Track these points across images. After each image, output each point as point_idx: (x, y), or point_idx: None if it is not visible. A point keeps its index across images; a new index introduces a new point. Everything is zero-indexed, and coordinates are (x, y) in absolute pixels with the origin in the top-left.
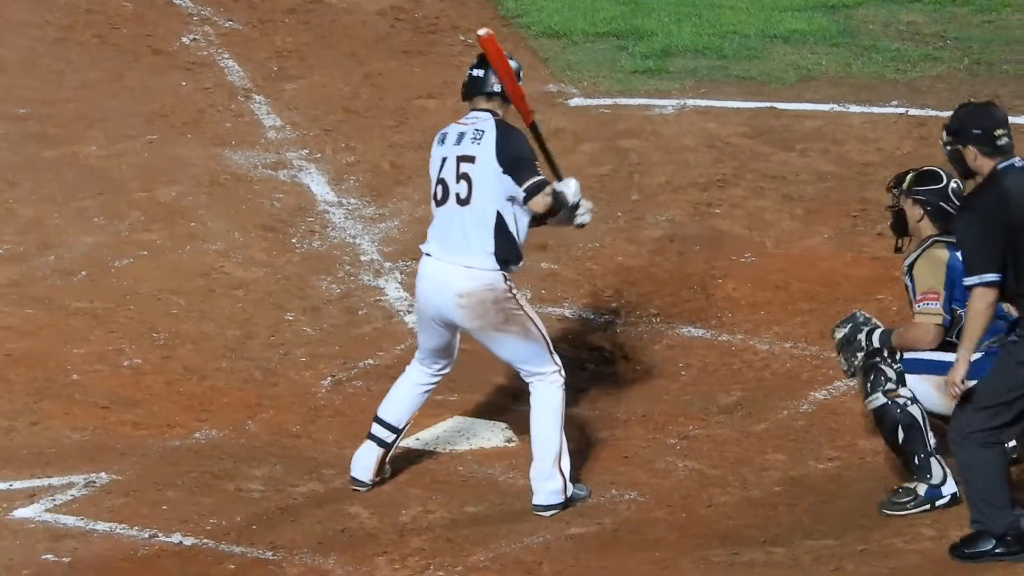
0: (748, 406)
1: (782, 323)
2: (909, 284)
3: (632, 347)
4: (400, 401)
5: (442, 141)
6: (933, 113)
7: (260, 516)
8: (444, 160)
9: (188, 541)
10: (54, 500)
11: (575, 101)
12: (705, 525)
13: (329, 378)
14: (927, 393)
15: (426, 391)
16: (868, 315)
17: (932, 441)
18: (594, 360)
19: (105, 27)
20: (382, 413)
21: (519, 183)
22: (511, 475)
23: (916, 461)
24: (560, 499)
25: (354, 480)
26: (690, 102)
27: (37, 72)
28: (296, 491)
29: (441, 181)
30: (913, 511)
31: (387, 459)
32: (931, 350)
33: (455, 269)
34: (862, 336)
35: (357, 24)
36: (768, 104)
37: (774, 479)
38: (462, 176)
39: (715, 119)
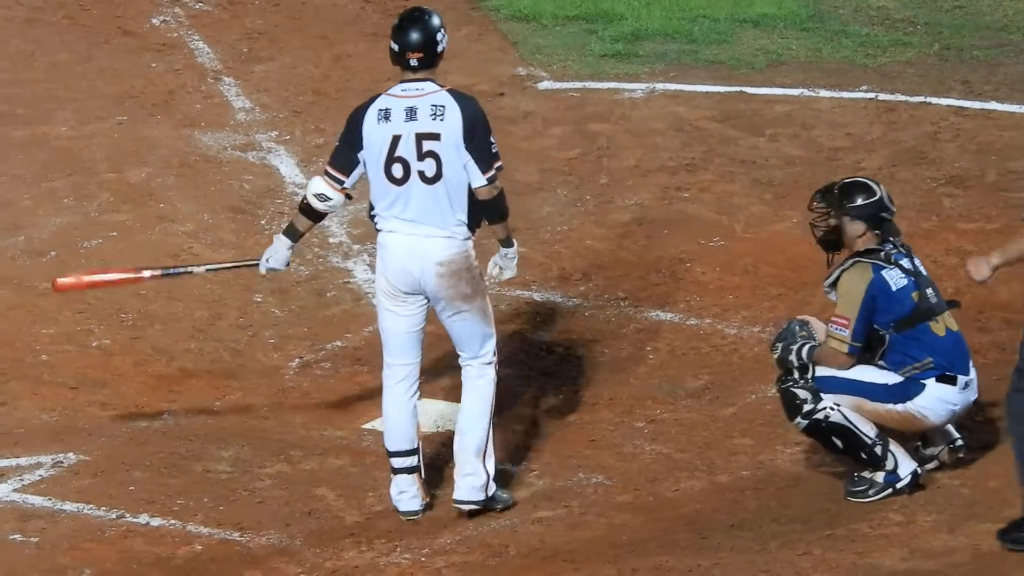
0: (716, 390)
1: (751, 307)
2: (835, 299)
3: (600, 330)
4: (400, 424)
5: (386, 118)
6: (903, 98)
7: (227, 497)
8: (397, 138)
9: (155, 522)
10: (22, 480)
11: (544, 84)
12: (672, 509)
13: (297, 360)
14: (849, 412)
15: (414, 397)
16: (806, 320)
17: (872, 432)
18: (561, 343)
19: (75, 8)
20: (393, 445)
21: (482, 171)
22: None
23: (864, 456)
24: (482, 496)
25: (407, 513)
26: (659, 86)
27: (6, 53)
28: (263, 472)
29: (399, 160)
30: (875, 498)
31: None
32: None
33: (432, 241)
34: (792, 355)
35: (327, 6)
36: (737, 88)
37: (741, 463)
38: (427, 154)
39: (684, 103)
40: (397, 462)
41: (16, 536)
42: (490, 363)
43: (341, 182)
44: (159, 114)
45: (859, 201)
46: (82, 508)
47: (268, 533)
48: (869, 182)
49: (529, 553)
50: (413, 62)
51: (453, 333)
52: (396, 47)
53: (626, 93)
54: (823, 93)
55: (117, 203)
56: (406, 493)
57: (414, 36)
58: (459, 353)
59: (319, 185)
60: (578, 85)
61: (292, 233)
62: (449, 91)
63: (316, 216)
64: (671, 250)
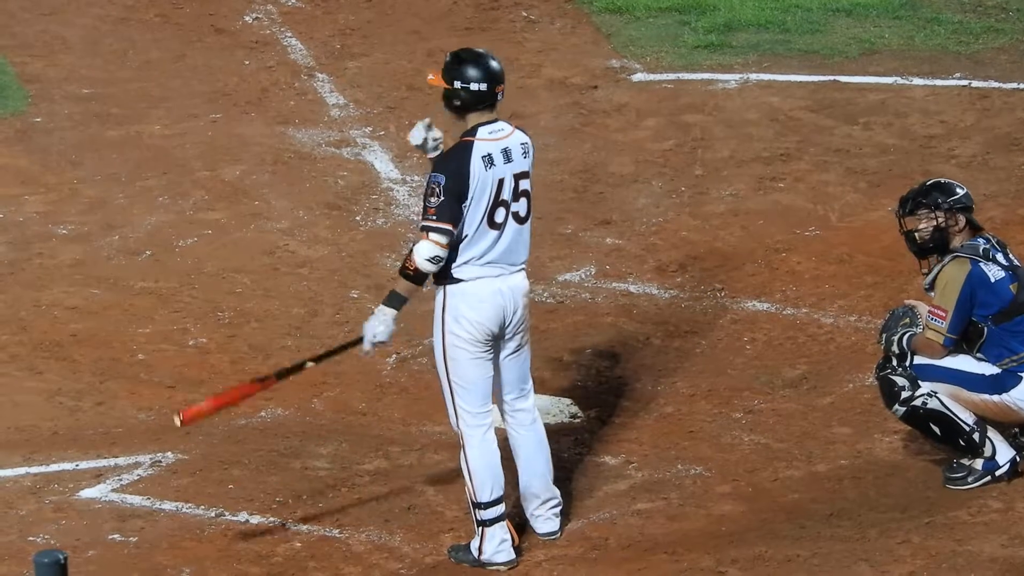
0: (813, 380)
1: (847, 296)
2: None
3: (697, 321)
4: (499, 469)
5: (492, 163)
6: (996, 85)
7: (326, 494)
8: (501, 181)
9: (255, 519)
10: (120, 480)
11: (638, 76)
12: (771, 499)
13: (394, 356)
14: (946, 399)
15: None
16: (912, 305)
17: (970, 419)
18: (659, 335)
19: (168, 6)
20: (496, 491)
21: None
22: (577, 451)
23: (962, 443)
24: (560, 519)
25: (509, 563)
26: (753, 76)
27: (100, 52)
28: (362, 468)
29: (502, 203)
30: (974, 485)
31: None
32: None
33: (515, 275)
34: (894, 345)
35: (419, 1)
36: (831, 78)
37: (840, 452)
38: (521, 193)
39: (778, 93)
40: (495, 511)
41: (115, 536)
42: (532, 398)
43: (451, 234)
44: (252, 111)
45: (958, 194)
46: (181, 507)
47: (367, 529)
48: (942, 180)
49: (629, 545)
50: (499, 95)
51: (512, 371)
52: (484, 86)
53: (720, 84)
54: (916, 81)
55: (212, 201)
56: (506, 542)
57: (497, 66)
58: (504, 398)
59: (429, 249)
60: (671, 76)
61: (397, 301)
62: (516, 127)
63: (423, 280)
64: (766, 240)
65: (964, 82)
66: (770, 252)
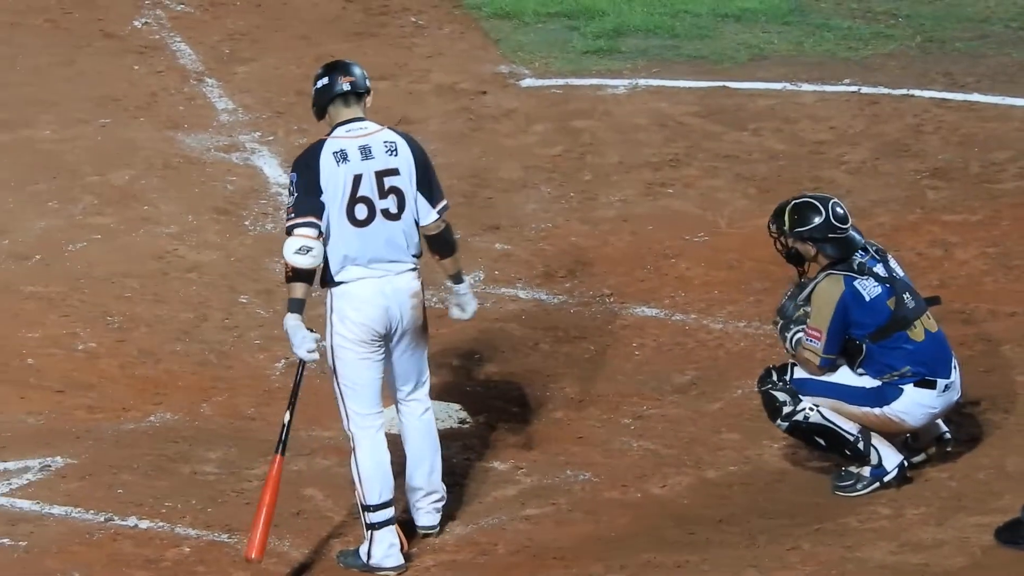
0: (702, 385)
1: (736, 302)
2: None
3: (586, 327)
4: (389, 471)
5: (344, 159)
6: (885, 91)
7: (215, 499)
8: (358, 177)
9: (144, 524)
10: (9, 484)
11: (527, 82)
12: (659, 505)
13: (283, 360)
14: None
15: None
16: (801, 295)
17: (853, 429)
18: (548, 340)
19: (57, 12)
20: (385, 495)
21: (432, 204)
22: (465, 456)
23: (848, 453)
24: (441, 515)
25: (397, 568)
26: (642, 82)
27: None
28: (251, 473)
29: (362, 199)
30: (863, 492)
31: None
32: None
33: (401, 276)
34: (787, 342)
35: (308, 6)
36: (720, 83)
37: (729, 458)
38: (391, 190)
39: (667, 99)
40: (384, 515)
41: (5, 540)
42: (428, 391)
43: (316, 226)
44: (142, 116)
45: (803, 226)
46: (70, 511)
47: None
48: (816, 201)
49: (518, 551)
50: (345, 86)
51: (404, 368)
52: (325, 80)
53: (609, 89)
54: (805, 87)
55: (101, 206)
56: (395, 546)
57: (345, 61)
58: (399, 390)
59: (294, 242)
60: (560, 82)
61: (297, 305)
62: (398, 131)
63: (307, 276)
64: (656, 246)
65: (853, 88)
66: (659, 258)
